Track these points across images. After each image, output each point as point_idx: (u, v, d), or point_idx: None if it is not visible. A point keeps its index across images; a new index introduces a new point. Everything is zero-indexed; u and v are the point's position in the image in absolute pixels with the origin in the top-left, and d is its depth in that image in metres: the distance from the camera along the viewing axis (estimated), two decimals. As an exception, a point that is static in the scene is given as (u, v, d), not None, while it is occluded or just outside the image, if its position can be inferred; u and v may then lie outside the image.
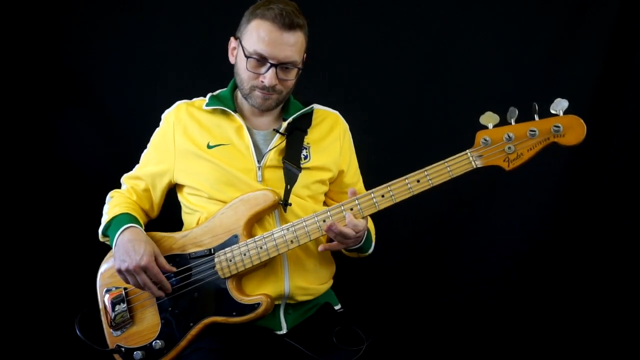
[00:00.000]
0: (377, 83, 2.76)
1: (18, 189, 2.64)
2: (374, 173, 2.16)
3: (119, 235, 1.82)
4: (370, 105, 2.73)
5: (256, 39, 1.79)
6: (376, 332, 1.85)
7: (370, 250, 2.01)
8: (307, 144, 1.94)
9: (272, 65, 1.79)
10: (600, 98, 2.65)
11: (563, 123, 1.64)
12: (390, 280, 2.80)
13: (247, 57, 1.81)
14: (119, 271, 1.80)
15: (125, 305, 1.87)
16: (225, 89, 2.01)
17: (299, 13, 1.82)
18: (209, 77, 2.04)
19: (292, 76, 1.85)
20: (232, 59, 1.92)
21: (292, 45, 1.79)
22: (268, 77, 1.80)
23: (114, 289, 1.89)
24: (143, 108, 2.35)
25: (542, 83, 2.69)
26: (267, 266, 1.84)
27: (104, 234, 1.92)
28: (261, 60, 1.80)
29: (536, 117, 1.67)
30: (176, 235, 1.89)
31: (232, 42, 1.90)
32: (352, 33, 2.72)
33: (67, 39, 2.64)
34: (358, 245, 1.87)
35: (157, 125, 2.00)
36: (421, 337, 2.81)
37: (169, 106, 2.00)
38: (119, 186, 2.05)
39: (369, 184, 2.09)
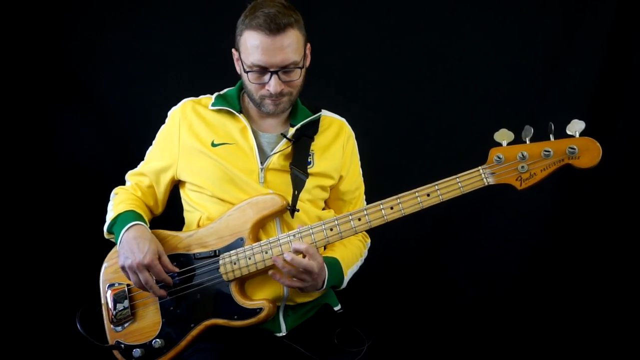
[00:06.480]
0: (378, 84, 2.76)
1: (19, 189, 2.64)
2: (374, 174, 2.15)
3: (124, 233, 1.82)
4: (371, 105, 2.74)
5: (250, 50, 1.77)
6: (376, 332, 1.84)
7: (343, 286, 1.95)
8: (312, 150, 1.93)
9: (272, 72, 1.77)
10: (599, 99, 2.66)
11: (579, 145, 1.62)
12: (390, 280, 2.81)
13: (246, 71, 1.80)
14: (123, 268, 1.80)
15: (127, 301, 1.87)
16: (233, 87, 1.99)
17: (287, 9, 1.77)
18: (209, 77, 2.03)
19: (296, 76, 1.82)
20: (238, 70, 1.90)
21: (286, 47, 1.75)
22: (272, 85, 1.78)
23: (116, 284, 1.89)
24: (143, 108, 2.35)
25: (541, 84, 2.70)
26: None
27: (109, 231, 1.92)
28: (261, 70, 1.78)
29: (552, 137, 1.65)
30: (182, 234, 1.89)
31: (235, 54, 1.88)
32: (353, 33, 2.72)
33: (68, 39, 2.65)
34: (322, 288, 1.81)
35: (158, 124, 1.99)
36: (421, 338, 2.81)
37: (169, 105, 1.98)
38: (118, 184, 2.04)
39: (370, 185, 2.09)
